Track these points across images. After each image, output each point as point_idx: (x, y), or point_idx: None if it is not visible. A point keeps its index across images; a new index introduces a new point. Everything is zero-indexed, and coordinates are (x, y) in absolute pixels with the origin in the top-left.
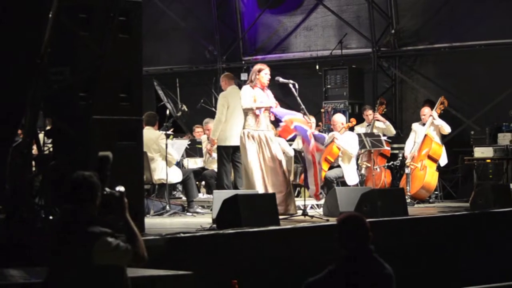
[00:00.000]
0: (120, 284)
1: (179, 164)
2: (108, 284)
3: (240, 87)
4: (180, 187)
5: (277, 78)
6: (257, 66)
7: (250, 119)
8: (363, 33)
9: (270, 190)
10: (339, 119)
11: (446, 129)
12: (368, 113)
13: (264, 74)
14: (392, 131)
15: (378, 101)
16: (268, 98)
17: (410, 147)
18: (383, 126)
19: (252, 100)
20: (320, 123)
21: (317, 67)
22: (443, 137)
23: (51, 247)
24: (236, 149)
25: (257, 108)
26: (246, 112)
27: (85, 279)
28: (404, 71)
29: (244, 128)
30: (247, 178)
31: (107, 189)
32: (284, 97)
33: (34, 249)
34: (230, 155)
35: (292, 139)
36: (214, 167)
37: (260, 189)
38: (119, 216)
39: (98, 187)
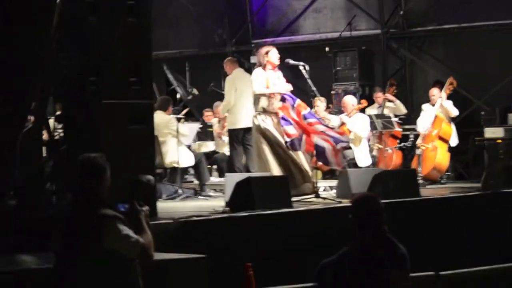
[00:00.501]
0: (131, 272)
1: (190, 148)
2: (119, 271)
3: (249, 70)
4: (192, 171)
5: (287, 60)
6: (264, 49)
7: (263, 102)
8: (372, 14)
9: (283, 172)
10: (349, 101)
11: (454, 112)
12: (378, 95)
13: (273, 54)
14: (403, 110)
15: (388, 82)
16: (279, 80)
17: (423, 124)
18: (394, 106)
19: (265, 83)
20: (330, 105)
21: (327, 49)
22: (454, 118)
23: (60, 231)
24: (246, 131)
25: (270, 94)
26: (258, 95)
27: (97, 262)
28: (413, 52)
29: (256, 110)
30: (261, 160)
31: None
32: (294, 79)
33: (45, 234)
34: (240, 138)
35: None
36: (225, 150)
37: (274, 171)
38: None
39: (104, 168)
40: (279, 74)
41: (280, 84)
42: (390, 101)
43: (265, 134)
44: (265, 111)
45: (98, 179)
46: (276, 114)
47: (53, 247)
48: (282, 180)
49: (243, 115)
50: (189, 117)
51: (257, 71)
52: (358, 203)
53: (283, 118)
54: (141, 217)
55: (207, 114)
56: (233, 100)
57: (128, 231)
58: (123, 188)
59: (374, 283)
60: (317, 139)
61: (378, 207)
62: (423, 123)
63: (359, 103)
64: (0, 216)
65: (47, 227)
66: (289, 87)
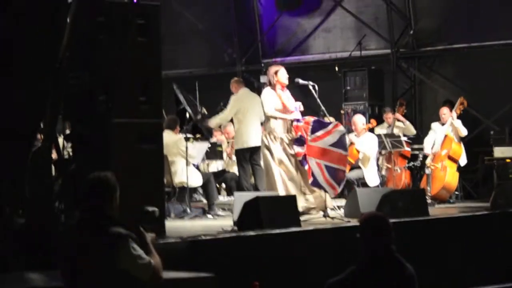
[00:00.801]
0: None
1: (197, 168)
2: None
3: (259, 90)
4: (200, 191)
5: (296, 79)
6: (272, 68)
7: (273, 122)
8: (381, 34)
9: (295, 192)
10: (359, 120)
11: (463, 131)
12: (388, 116)
13: (282, 74)
14: (413, 130)
15: (398, 102)
16: (288, 100)
17: (429, 145)
18: (403, 126)
19: (277, 102)
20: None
21: (337, 68)
22: (463, 138)
23: (67, 250)
24: (253, 151)
25: (280, 118)
26: (268, 116)
27: (109, 283)
28: (423, 71)
29: (265, 130)
30: (269, 178)
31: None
32: (304, 99)
33: (54, 253)
34: (248, 158)
35: None
36: (235, 169)
37: (281, 190)
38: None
39: (114, 187)
40: (288, 93)
41: (294, 111)
42: (399, 120)
43: (272, 154)
44: (273, 132)
45: (109, 197)
46: (286, 135)
47: (60, 266)
48: (290, 199)
49: (250, 135)
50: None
51: (267, 91)
52: (366, 222)
53: (299, 139)
54: (148, 241)
55: (217, 134)
56: (229, 118)
57: (140, 252)
58: (132, 209)
59: None
60: (312, 164)
61: (386, 227)
62: (430, 142)
63: (368, 122)
64: (8, 234)
65: (55, 246)
66: (298, 115)
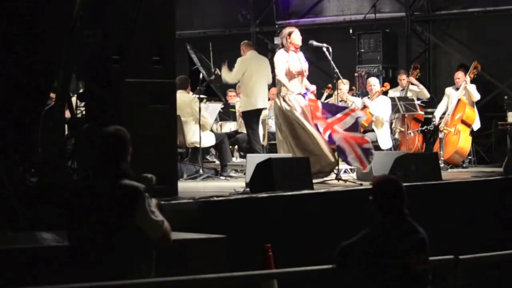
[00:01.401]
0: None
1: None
2: (140, 251)
3: (273, 51)
4: (213, 151)
5: (310, 41)
6: (286, 30)
7: (287, 84)
8: None
9: (305, 154)
10: (373, 82)
11: (476, 96)
12: (402, 78)
13: (295, 36)
14: (426, 94)
15: (412, 65)
16: (299, 62)
17: (441, 110)
18: (417, 90)
19: (286, 67)
20: (353, 87)
21: (351, 31)
22: (477, 102)
23: (77, 207)
24: (259, 113)
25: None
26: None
27: (127, 240)
28: (437, 35)
29: (280, 92)
30: (283, 143)
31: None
32: (317, 61)
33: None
34: (255, 120)
35: None
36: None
37: (297, 154)
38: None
39: (128, 142)
40: (301, 55)
41: (302, 64)
42: (413, 84)
43: (288, 118)
44: (287, 94)
45: (123, 152)
46: (303, 94)
47: (67, 224)
48: (303, 161)
49: (256, 97)
50: (211, 97)
51: (279, 54)
52: (379, 186)
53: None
54: (155, 205)
55: (231, 94)
56: (236, 80)
57: (155, 209)
58: (144, 167)
59: (395, 265)
60: (338, 139)
61: (399, 190)
62: (442, 108)
63: (382, 85)
64: (21, 193)
65: (66, 203)
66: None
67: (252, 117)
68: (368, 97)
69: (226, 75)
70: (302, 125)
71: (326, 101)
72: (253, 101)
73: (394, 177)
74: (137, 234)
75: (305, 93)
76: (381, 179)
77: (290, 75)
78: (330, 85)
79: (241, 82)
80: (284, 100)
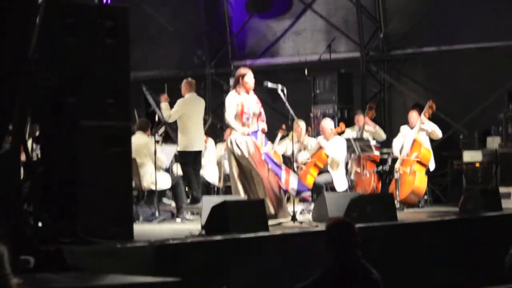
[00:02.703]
0: None
1: (168, 170)
2: None
3: (228, 93)
4: (169, 193)
5: (265, 82)
6: (240, 71)
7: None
8: (351, 37)
9: (259, 196)
10: (327, 125)
11: (439, 133)
12: (360, 118)
13: (248, 78)
14: (382, 135)
15: (367, 105)
16: (253, 103)
17: (398, 147)
18: (373, 130)
19: (238, 109)
20: (309, 128)
21: (306, 72)
22: (432, 142)
23: None
24: (197, 154)
25: (242, 133)
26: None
27: None
28: (392, 75)
29: (230, 134)
30: (234, 184)
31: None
32: (272, 102)
33: (23, 255)
34: (191, 160)
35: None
36: (204, 170)
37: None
38: None
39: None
40: (254, 97)
41: (253, 107)
42: (369, 125)
43: (237, 161)
44: (238, 135)
45: None
46: (252, 135)
47: None
48: (259, 203)
49: (194, 139)
50: (167, 140)
51: (231, 96)
52: (332, 228)
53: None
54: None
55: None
56: (171, 120)
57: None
58: (100, 210)
59: None
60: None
61: (351, 232)
62: (399, 145)
63: (337, 126)
64: None
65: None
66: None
67: (189, 157)
68: (324, 138)
69: (165, 113)
70: (251, 169)
71: (280, 141)
72: (190, 143)
73: (346, 220)
74: None
75: (255, 132)
76: (332, 222)
77: (241, 117)
78: (283, 126)
79: (178, 122)
80: (235, 143)
